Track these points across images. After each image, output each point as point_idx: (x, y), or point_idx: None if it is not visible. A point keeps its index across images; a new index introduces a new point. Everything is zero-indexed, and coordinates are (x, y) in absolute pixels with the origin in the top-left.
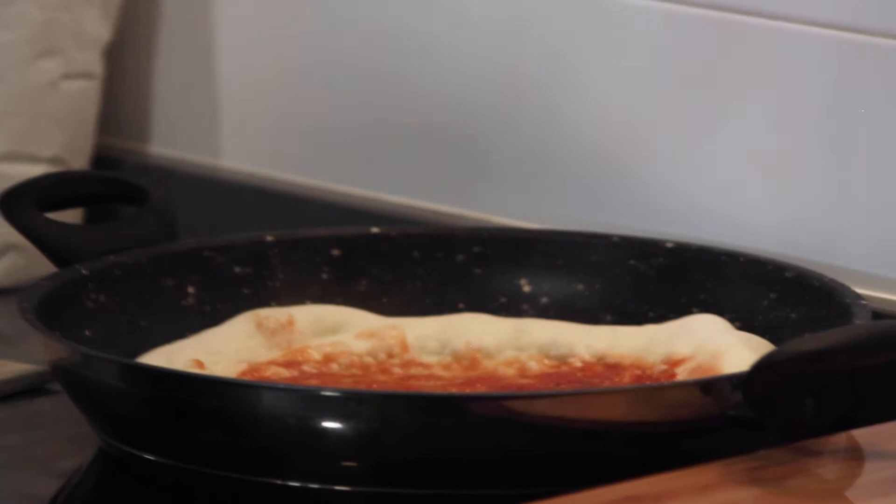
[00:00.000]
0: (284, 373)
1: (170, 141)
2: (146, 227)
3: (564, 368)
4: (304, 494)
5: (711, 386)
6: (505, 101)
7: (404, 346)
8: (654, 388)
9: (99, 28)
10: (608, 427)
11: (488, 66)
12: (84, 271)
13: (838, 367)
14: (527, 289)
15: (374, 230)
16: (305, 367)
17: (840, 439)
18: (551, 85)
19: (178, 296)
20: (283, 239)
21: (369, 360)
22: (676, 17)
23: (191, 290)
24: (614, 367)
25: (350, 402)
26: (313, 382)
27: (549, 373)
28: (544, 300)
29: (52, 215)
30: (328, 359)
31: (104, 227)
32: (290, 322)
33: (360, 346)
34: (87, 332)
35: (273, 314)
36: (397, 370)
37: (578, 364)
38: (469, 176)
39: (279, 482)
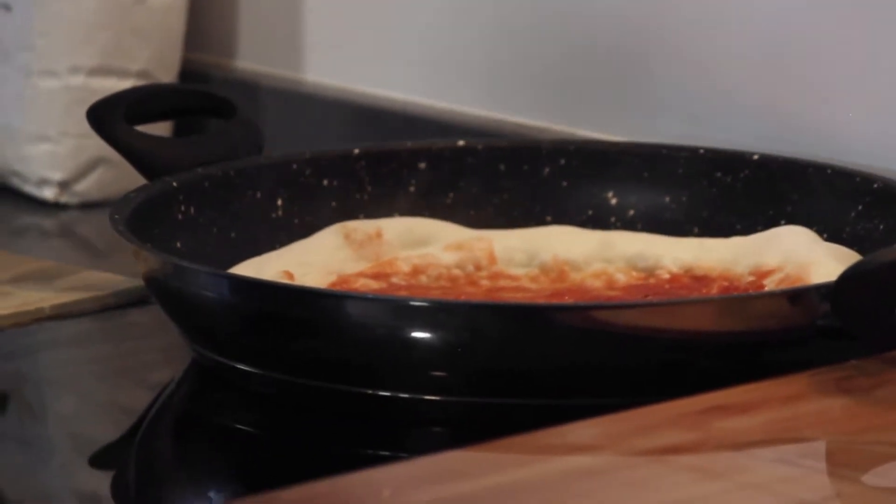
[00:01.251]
0: (373, 284)
1: (256, 55)
2: (233, 141)
3: (652, 280)
4: (393, 404)
5: (799, 296)
6: (597, 18)
7: (492, 259)
8: (742, 298)
9: None
10: (695, 338)
11: None
12: (174, 184)
13: None
14: (613, 201)
15: (461, 143)
16: (394, 279)
17: None
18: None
19: (266, 208)
20: (370, 152)
21: (457, 272)
22: None
23: (279, 202)
24: (702, 279)
25: (439, 312)
26: (402, 294)
27: (637, 285)
28: (631, 213)
29: (141, 128)
30: (416, 271)
31: (192, 140)
32: (379, 234)
33: (448, 258)
34: (177, 244)
35: (361, 226)
36: (485, 282)
37: (666, 276)
38: (556, 89)
39: (369, 392)
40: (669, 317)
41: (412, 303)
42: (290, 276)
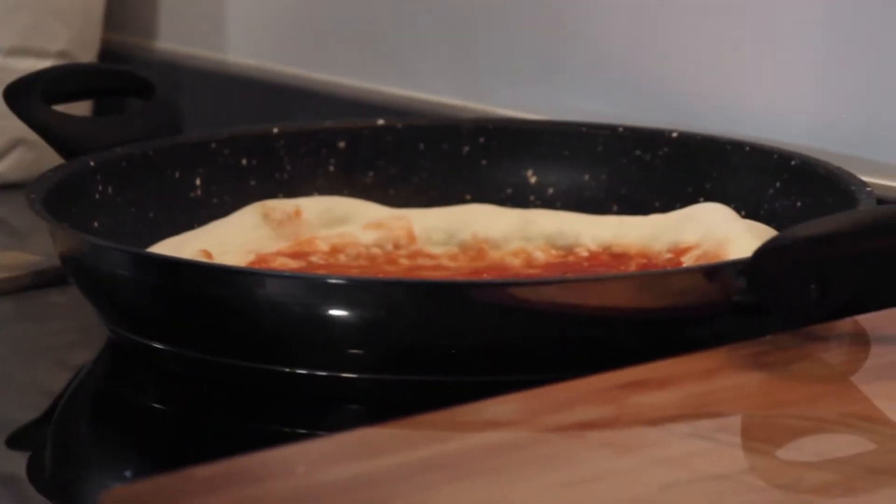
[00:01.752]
0: (292, 263)
1: (176, 35)
2: (153, 120)
3: (571, 258)
4: (311, 381)
5: (715, 272)
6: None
7: (411, 237)
8: (659, 274)
9: None
10: (613, 314)
11: None
12: (92, 163)
13: (842, 252)
14: (533, 179)
15: (380, 122)
16: (313, 258)
17: (845, 325)
18: None
19: (185, 187)
20: (289, 131)
21: (376, 250)
22: None
23: (198, 181)
24: (620, 257)
25: (355, 290)
26: (321, 272)
27: (556, 263)
28: (550, 191)
29: (61, 108)
30: (335, 250)
31: (111, 119)
32: (298, 213)
33: (367, 236)
34: (95, 224)
35: (280, 205)
36: (404, 261)
37: (585, 254)
38: (473, 68)
39: (287, 370)
40: (586, 293)
41: (329, 280)
42: (209, 255)
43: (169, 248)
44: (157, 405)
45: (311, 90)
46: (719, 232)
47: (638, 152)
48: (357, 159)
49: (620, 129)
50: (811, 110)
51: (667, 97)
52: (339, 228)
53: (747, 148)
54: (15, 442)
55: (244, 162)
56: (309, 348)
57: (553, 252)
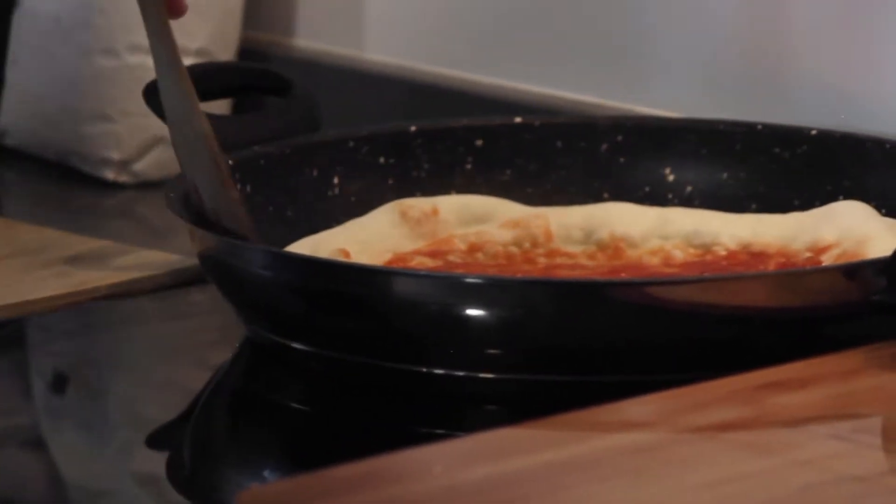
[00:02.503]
0: (429, 262)
1: (314, 33)
2: (291, 118)
3: (709, 257)
4: (448, 381)
5: (855, 271)
6: None
7: (549, 236)
8: (797, 272)
9: None
10: (751, 313)
11: None
12: (230, 161)
13: None
14: (671, 178)
15: (518, 120)
16: (450, 258)
17: None
18: None
19: (323, 186)
20: (426, 129)
21: (514, 249)
22: None
23: (336, 180)
24: (759, 255)
25: (493, 289)
26: (459, 271)
27: (694, 262)
28: (689, 189)
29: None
30: (473, 248)
31: (249, 117)
32: (435, 212)
33: (504, 235)
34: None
35: (417, 204)
36: (542, 260)
37: (723, 252)
38: (612, 66)
39: (424, 370)
40: (725, 292)
41: (467, 279)
42: (347, 254)
43: (306, 246)
44: (295, 405)
45: (448, 88)
46: (859, 230)
47: (777, 150)
48: (494, 157)
49: (759, 127)
50: None
51: (802, 94)
52: (476, 227)
53: (887, 145)
54: (154, 441)
55: (382, 160)
56: (446, 348)
57: (691, 251)
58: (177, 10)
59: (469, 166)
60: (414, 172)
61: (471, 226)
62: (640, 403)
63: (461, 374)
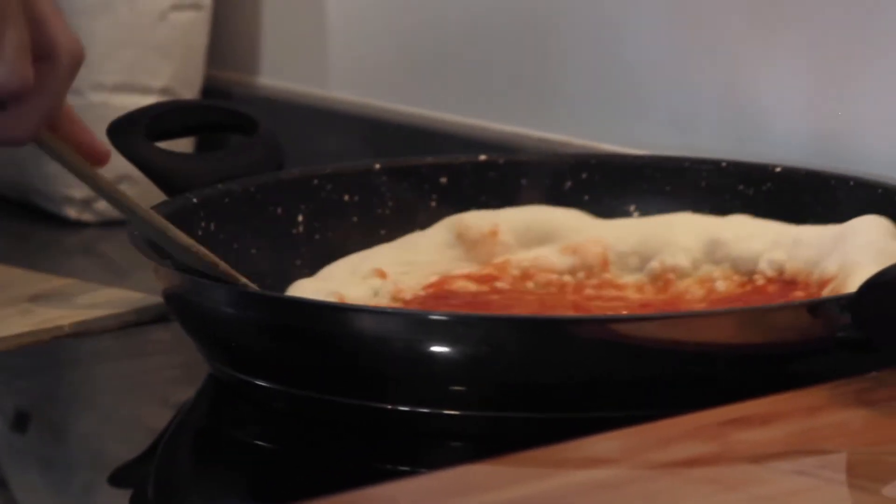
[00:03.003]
0: (473, 287)
1: (278, 71)
2: (255, 156)
3: (749, 287)
4: (413, 418)
5: (819, 307)
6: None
7: (605, 265)
8: (762, 309)
9: None
10: (716, 350)
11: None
12: (194, 199)
13: None
14: (636, 215)
15: (482, 157)
16: (498, 284)
17: None
18: (648, 20)
19: (287, 224)
20: (391, 167)
21: (568, 278)
22: None
23: (300, 218)
24: (790, 284)
25: (458, 326)
26: (494, 299)
27: (734, 294)
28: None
29: (163, 145)
30: (526, 276)
31: (213, 156)
32: (494, 232)
33: (562, 261)
34: None
35: (476, 223)
36: (590, 291)
37: (761, 282)
38: (576, 104)
39: (389, 406)
40: (689, 329)
41: (431, 316)
42: (383, 273)
43: (349, 263)
44: (259, 442)
45: (412, 126)
46: (853, 258)
47: (741, 187)
48: (459, 195)
49: (724, 164)
50: None
51: (763, 132)
52: (536, 250)
53: (851, 182)
54: (117, 480)
55: (346, 198)
56: (411, 385)
57: (735, 278)
58: (98, 160)
59: (434, 204)
60: (378, 210)
61: (532, 247)
62: (604, 440)
63: (426, 410)
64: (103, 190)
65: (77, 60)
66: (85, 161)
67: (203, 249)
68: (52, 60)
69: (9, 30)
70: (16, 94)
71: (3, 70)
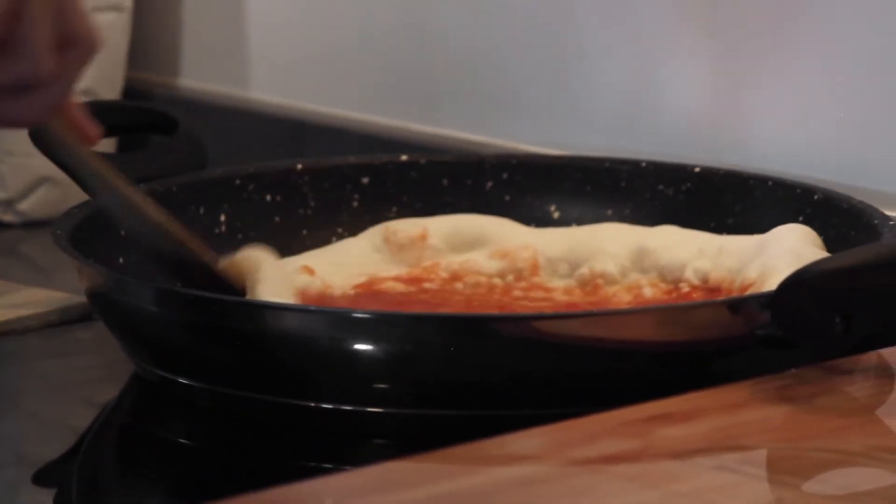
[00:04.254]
0: (402, 288)
1: (199, 73)
2: (177, 157)
3: (674, 294)
4: (337, 416)
5: (739, 305)
6: (530, 33)
7: (535, 269)
8: (683, 307)
9: None
10: (638, 347)
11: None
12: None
13: (866, 285)
14: (556, 215)
15: (404, 158)
16: (426, 285)
17: (870, 358)
18: (577, 15)
19: (210, 224)
20: (312, 167)
21: (498, 281)
22: None
23: (222, 218)
24: (715, 291)
25: (381, 324)
26: (422, 299)
27: (660, 300)
28: (574, 226)
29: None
30: (454, 277)
31: (135, 156)
32: (423, 237)
33: (491, 265)
34: (120, 260)
35: (405, 228)
36: (517, 293)
37: (686, 290)
38: (496, 105)
39: (312, 404)
40: (611, 327)
41: (354, 314)
42: (311, 271)
43: (278, 267)
44: (183, 440)
45: (333, 127)
46: (772, 262)
47: (661, 187)
48: (381, 195)
49: (643, 164)
50: (833, 144)
51: (684, 132)
52: (466, 254)
53: (770, 182)
54: (41, 478)
55: (268, 198)
56: (334, 383)
57: (662, 286)
58: (88, 139)
59: (356, 204)
60: (300, 210)
61: (461, 252)
62: (527, 436)
63: (349, 408)
64: (90, 167)
65: (94, 50)
66: (77, 139)
67: (175, 226)
68: (72, 49)
69: (38, 23)
70: (37, 83)
71: (30, 63)
